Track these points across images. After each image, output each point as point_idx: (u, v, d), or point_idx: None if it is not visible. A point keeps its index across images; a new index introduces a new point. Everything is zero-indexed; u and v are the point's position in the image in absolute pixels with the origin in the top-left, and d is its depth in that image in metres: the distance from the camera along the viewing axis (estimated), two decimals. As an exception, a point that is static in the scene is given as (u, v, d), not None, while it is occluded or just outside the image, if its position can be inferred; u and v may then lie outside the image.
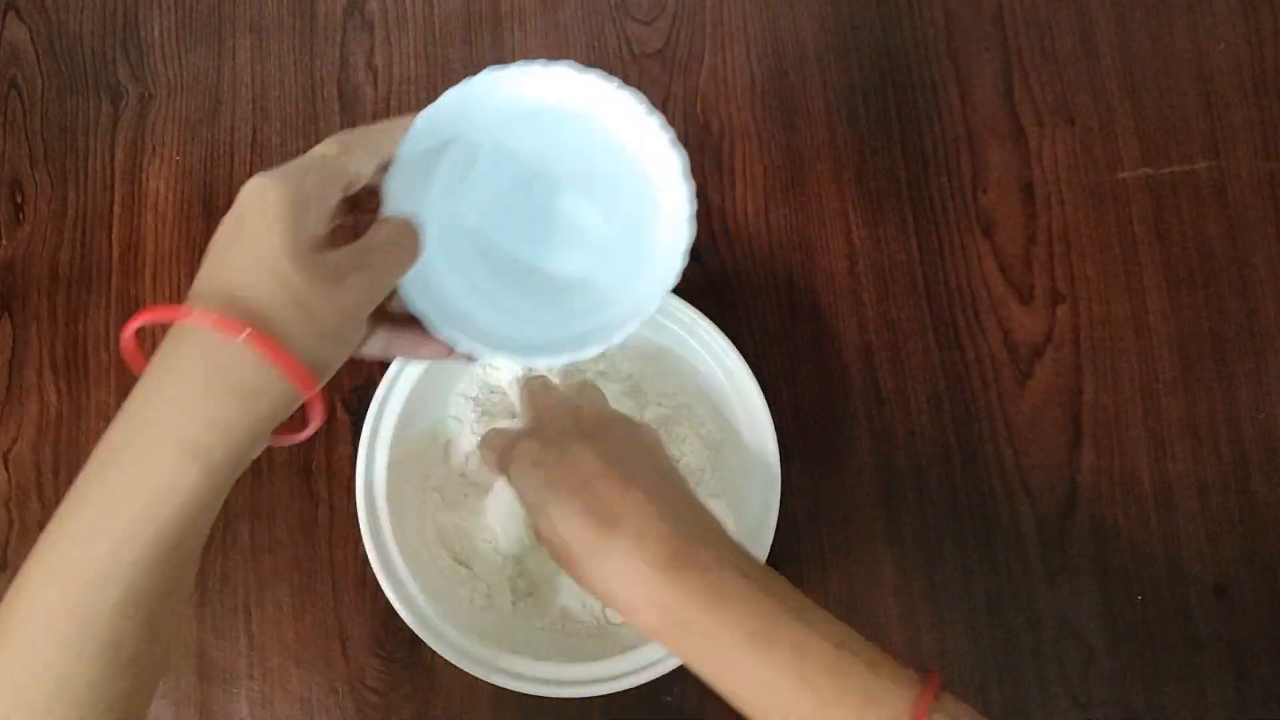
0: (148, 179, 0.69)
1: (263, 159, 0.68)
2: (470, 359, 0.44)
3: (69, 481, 0.35)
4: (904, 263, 0.64)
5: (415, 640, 0.54)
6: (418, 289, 0.43)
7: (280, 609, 0.62)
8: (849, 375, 0.63)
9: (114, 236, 0.68)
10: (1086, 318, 0.63)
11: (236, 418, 0.35)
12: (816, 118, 0.67)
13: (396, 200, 0.42)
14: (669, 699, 0.59)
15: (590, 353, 0.43)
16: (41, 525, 0.36)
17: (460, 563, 0.58)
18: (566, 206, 0.46)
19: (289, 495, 0.64)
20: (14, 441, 0.66)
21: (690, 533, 0.41)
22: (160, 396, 0.35)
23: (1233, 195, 0.64)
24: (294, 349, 0.35)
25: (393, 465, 0.56)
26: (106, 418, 0.52)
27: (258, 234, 0.36)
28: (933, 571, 0.61)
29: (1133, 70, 0.66)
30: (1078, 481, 0.61)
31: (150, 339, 0.59)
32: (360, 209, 0.42)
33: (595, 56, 0.68)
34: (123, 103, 0.70)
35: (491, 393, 0.61)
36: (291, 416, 0.38)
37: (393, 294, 0.42)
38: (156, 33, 0.71)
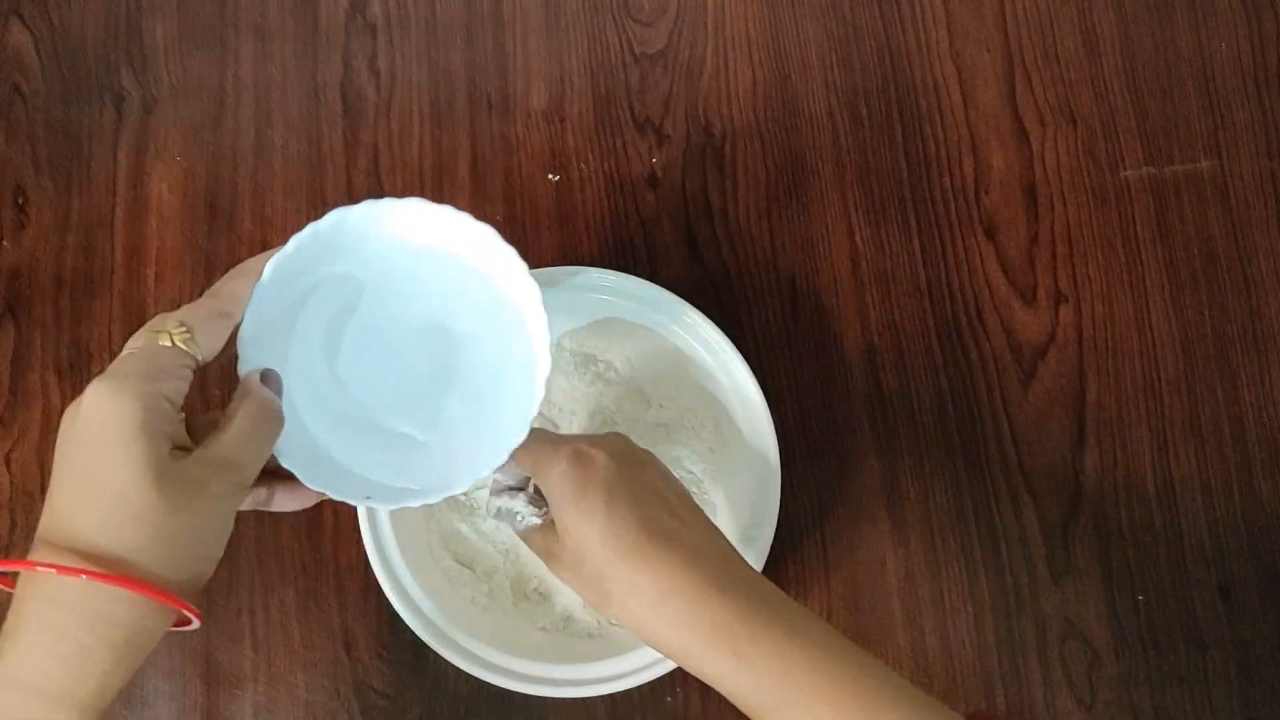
0: (151, 183, 0.69)
1: (265, 162, 0.68)
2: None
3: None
4: (906, 264, 0.64)
5: (420, 643, 0.54)
6: (287, 447, 0.42)
7: (286, 612, 0.62)
8: (852, 377, 0.63)
9: (117, 241, 0.68)
10: (1089, 318, 0.63)
11: (99, 654, 0.34)
12: (818, 119, 0.67)
13: (254, 357, 0.42)
14: (670, 699, 0.59)
15: (461, 487, 0.44)
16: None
17: (463, 564, 0.58)
18: (427, 368, 0.47)
19: (292, 498, 0.64)
20: (17, 445, 0.66)
21: (739, 560, 0.43)
22: (17, 650, 0.34)
23: (1235, 194, 0.64)
24: (160, 577, 0.35)
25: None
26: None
27: (110, 462, 0.34)
28: (937, 573, 0.60)
29: (1135, 70, 0.66)
30: (1082, 482, 0.61)
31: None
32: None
33: (597, 58, 0.68)
34: (126, 107, 0.70)
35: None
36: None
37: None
38: (159, 37, 0.71)
